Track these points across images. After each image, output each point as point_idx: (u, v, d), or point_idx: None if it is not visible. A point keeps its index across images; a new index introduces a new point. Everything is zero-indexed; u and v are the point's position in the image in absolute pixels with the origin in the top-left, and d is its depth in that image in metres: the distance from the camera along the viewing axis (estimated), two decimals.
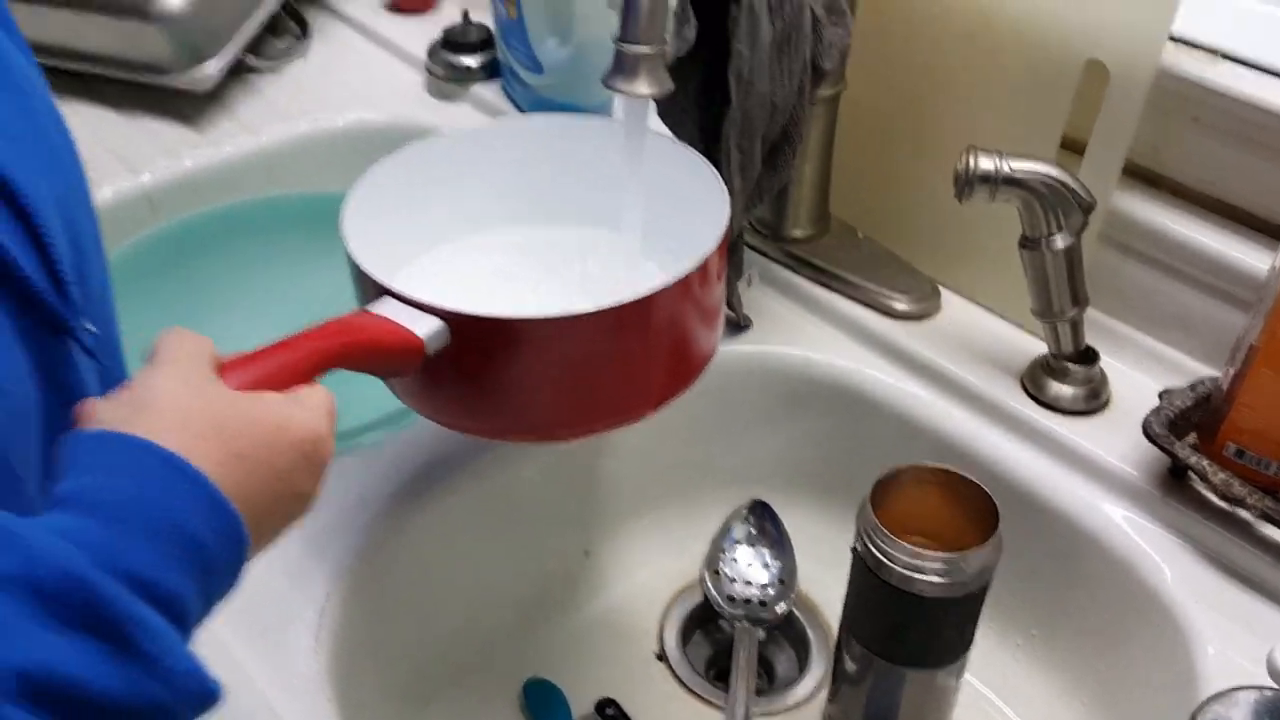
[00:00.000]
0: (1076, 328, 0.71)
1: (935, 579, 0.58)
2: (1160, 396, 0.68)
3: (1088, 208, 0.66)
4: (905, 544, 0.58)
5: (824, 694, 0.74)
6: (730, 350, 0.78)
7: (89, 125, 0.99)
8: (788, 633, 0.80)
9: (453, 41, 1.05)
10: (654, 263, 0.64)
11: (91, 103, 1.02)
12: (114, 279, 0.51)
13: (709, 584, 0.80)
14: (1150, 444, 0.66)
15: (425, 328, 0.51)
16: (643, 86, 0.57)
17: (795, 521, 0.82)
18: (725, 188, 0.60)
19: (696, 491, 0.84)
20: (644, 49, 0.56)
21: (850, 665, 0.67)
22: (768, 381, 0.80)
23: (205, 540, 0.35)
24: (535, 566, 0.79)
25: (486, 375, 0.55)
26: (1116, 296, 0.76)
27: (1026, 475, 0.71)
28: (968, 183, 0.65)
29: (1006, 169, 0.64)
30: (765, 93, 0.66)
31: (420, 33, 1.10)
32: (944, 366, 0.76)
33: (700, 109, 0.69)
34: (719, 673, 0.79)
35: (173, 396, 0.38)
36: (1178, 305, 0.74)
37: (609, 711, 0.74)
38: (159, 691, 0.32)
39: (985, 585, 0.60)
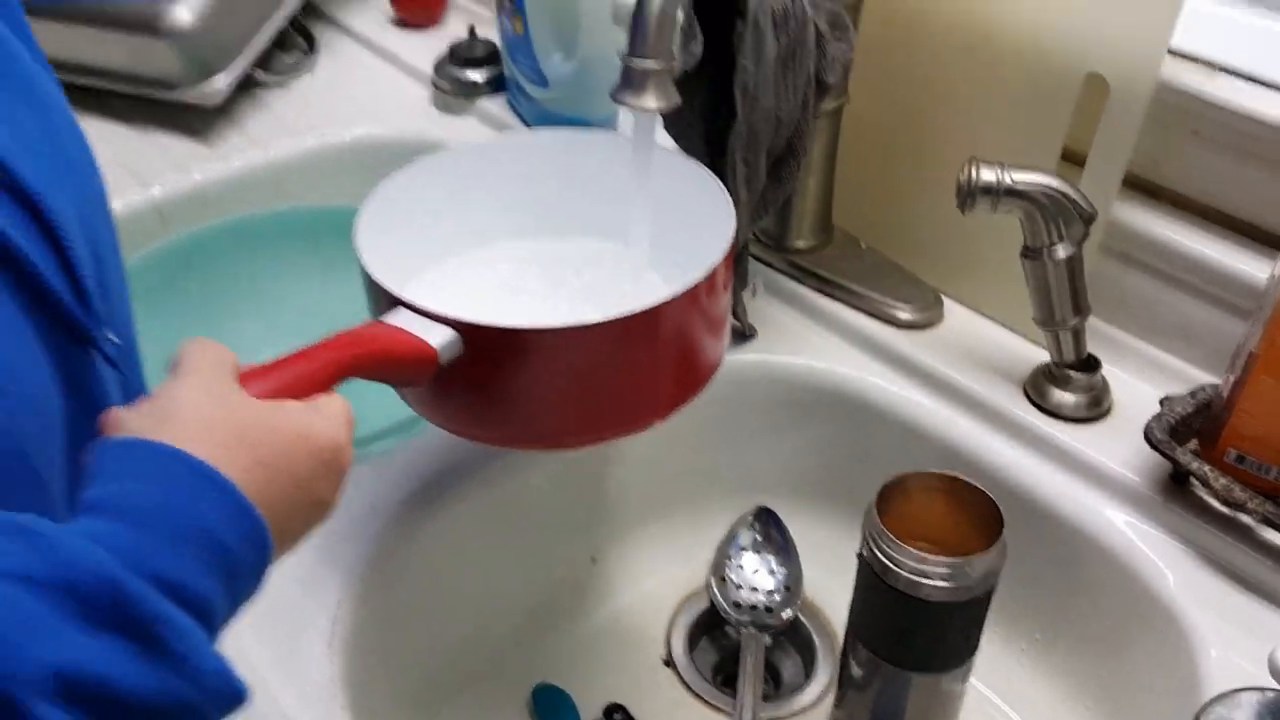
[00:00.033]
0: (1078, 336, 0.71)
1: (941, 584, 0.59)
2: (1161, 403, 0.69)
3: (1089, 218, 0.66)
4: (911, 549, 0.59)
5: (830, 699, 0.75)
6: (736, 359, 0.78)
7: (100, 139, 0.99)
8: (794, 639, 0.81)
9: (459, 56, 1.06)
10: (660, 275, 0.65)
11: (103, 117, 1.03)
12: None
13: (715, 590, 0.81)
14: (1152, 450, 0.66)
15: (439, 337, 0.52)
16: (650, 101, 0.58)
17: (800, 528, 0.82)
18: (731, 200, 0.61)
19: (703, 499, 0.85)
20: (652, 64, 0.57)
21: (856, 670, 0.67)
22: (773, 390, 0.81)
23: (231, 544, 0.36)
24: (543, 573, 0.80)
25: (497, 384, 0.55)
26: (1118, 305, 0.77)
27: (1029, 482, 0.71)
28: (970, 194, 0.66)
29: (1008, 180, 0.65)
30: (770, 107, 0.67)
31: (426, 48, 1.11)
32: (947, 374, 0.76)
33: (706, 123, 0.70)
34: (726, 678, 0.79)
35: (197, 405, 0.39)
36: (1178, 314, 0.75)
37: (617, 717, 0.75)
38: (187, 691, 0.33)
39: (990, 590, 0.61)
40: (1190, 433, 0.68)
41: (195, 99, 1.01)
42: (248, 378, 0.43)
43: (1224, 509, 0.66)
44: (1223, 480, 0.64)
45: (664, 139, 0.72)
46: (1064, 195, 0.66)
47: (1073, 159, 0.72)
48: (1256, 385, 0.62)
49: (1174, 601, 0.64)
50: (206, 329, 0.66)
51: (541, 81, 0.95)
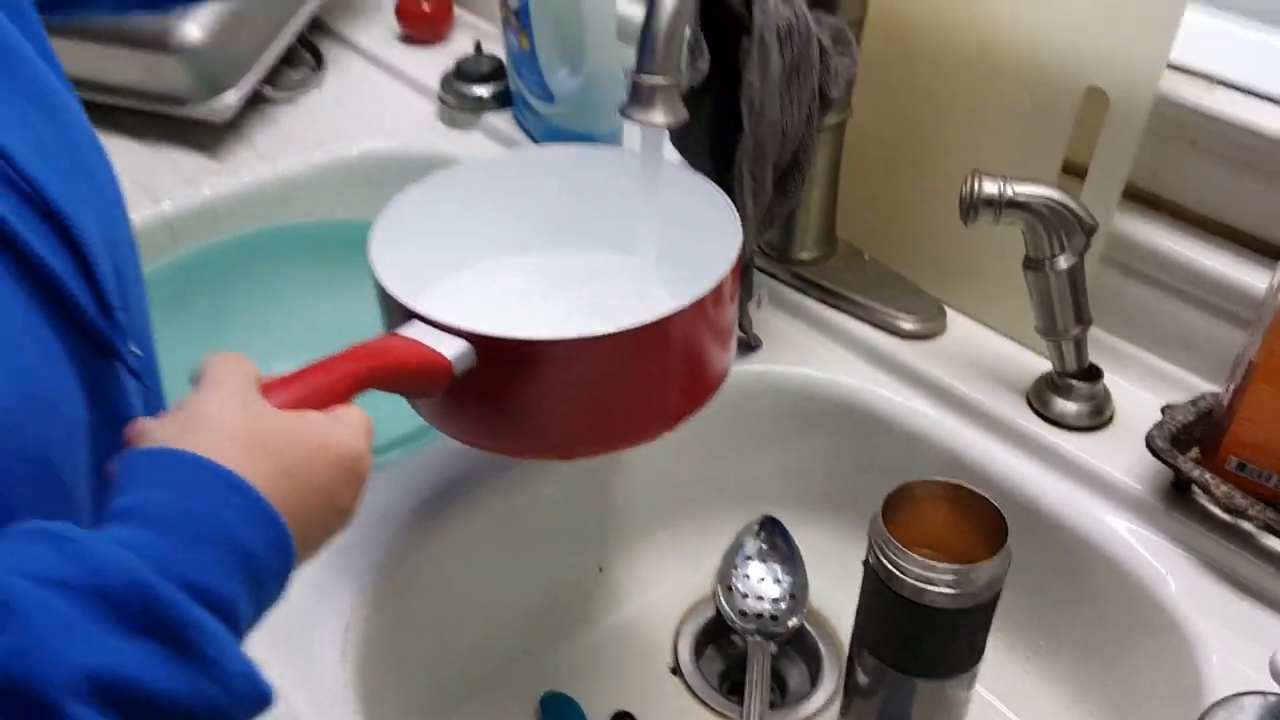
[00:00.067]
0: (1080, 346, 0.72)
1: (946, 590, 0.60)
2: (1163, 412, 0.69)
3: (1090, 229, 0.67)
4: (916, 556, 0.60)
5: (836, 707, 0.75)
6: (741, 370, 0.79)
7: (111, 154, 1.00)
8: (799, 647, 0.82)
9: (465, 72, 1.07)
10: (668, 287, 0.66)
11: (114, 133, 1.05)
12: None
13: (721, 599, 0.81)
14: (1154, 458, 0.67)
15: (452, 349, 0.53)
16: (659, 116, 0.59)
17: (805, 537, 0.83)
18: (737, 214, 0.62)
19: (709, 508, 0.85)
20: (660, 80, 0.58)
21: (862, 678, 0.68)
22: (777, 400, 0.81)
23: (257, 551, 0.37)
24: (552, 582, 0.80)
25: (509, 395, 0.56)
26: (1119, 315, 0.77)
27: (1033, 490, 0.72)
28: (972, 206, 0.66)
29: (1010, 192, 0.66)
30: (776, 121, 0.68)
31: (432, 63, 1.12)
32: (951, 384, 0.77)
33: (712, 137, 0.71)
34: (732, 686, 0.80)
35: (223, 416, 0.40)
36: (1178, 323, 0.75)
37: None
38: (217, 693, 0.34)
39: (995, 596, 0.61)
40: (1191, 441, 0.68)
41: (205, 115, 1.02)
42: (269, 389, 0.44)
43: (1225, 516, 0.67)
44: (1224, 487, 0.65)
45: (670, 153, 0.73)
46: (1065, 207, 0.66)
47: (1073, 171, 0.73)
48: (1256, 393, 0.63)
49: (1176, 608, 0.65)
50: (216, 342, 0.67)
51: (547, 97, 0.96)
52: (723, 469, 0.84)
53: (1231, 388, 0.66)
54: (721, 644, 0.83)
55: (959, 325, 0.82)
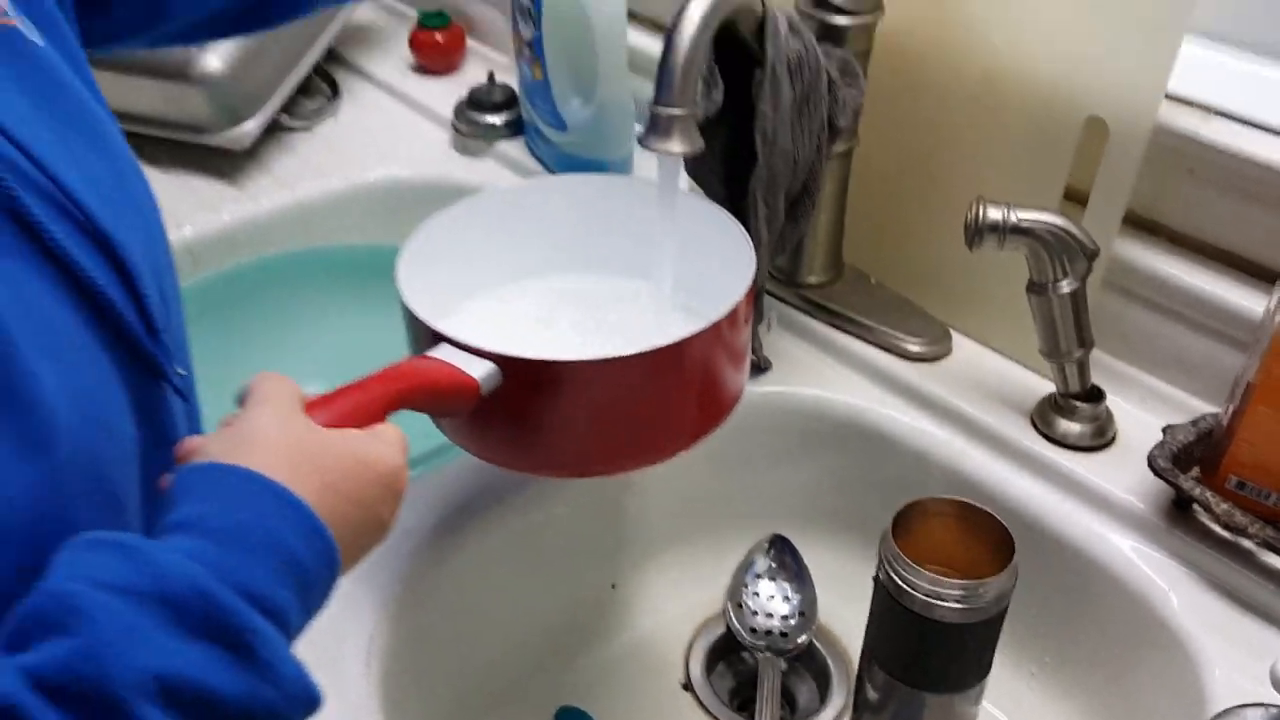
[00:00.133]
0: (1083, 368, 0.73)
1: (955, 605, 0.61)
2: (1164, 432, 0.70)
3: (1092, 254, 0.69)
4: (926, 572, 0.61)
5: None
6: (751, 391, 0.79)
7: None
8: (808, 663, 0.83)
9: (478, 101, 1.09)
10: (683, 311, 0.68)
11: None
12: None
13: (732, 616, 0.82)
14: (1155, 477, 0.68)
15: (480, 370, 0.55)
16: (676, 145, 0.60)
17: (814, 555, 0.84)
18: (751, 241, 0.64)
19: (719, 527, 0.87)
20: (677, 111, 0.60)
21: (872, 693, 0.69)
22: (787, 421, 0.83)
23: (306, 561, 0.39)
24: (567, 599, 0.82)
25: (532, 414, 0.58)
26: (1120, 338, 0.79)
27: (1037, 509, 0.73)
28: (977, 232, 0.68)
29: (1014, 219, 0.67)
30: (788, 150, 0.70)
31: (445, 93, 1.14)
32: (956, 405, 0.78)
33: (726, 166, 0.73)
34: (743, 702, 0.81)
35: (271, 433, 0.42)
36: (1178, 346, 0.77)
37: None
38: (273, 695, 0.36)
39: (1002, 611, 0.63)
40: (1192, 460, 0.70)
41: (225, 143, 1.04)
42: (312, 407, 0.45)
43: (1225, 534, 0.68)
44: (1224, 506, 0.66)
45: (684, 182, 0.74)
46: (1067, 232, 0.68)
47: (1075, 198, 0.74)
48: (1255, 414, 0.64)
49: (1179, 623, 0.66)
50: (235, 364, 0.69)
51: (560, 125, 0.98)
52: (733, 488, 0.86)
53: (1230, 409, 0.67)
54: (732, 660, 0.84)
55: (964, 348, 0.83)
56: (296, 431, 0.42)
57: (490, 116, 1.09)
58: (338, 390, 0.48)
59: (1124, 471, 0.72)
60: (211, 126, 1.04)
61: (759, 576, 0.84)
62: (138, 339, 0.45)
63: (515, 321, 0.68)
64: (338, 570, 0.41)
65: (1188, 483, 0.68)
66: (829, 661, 0.82)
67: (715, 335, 0.59)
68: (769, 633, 0.82)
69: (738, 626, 0.82)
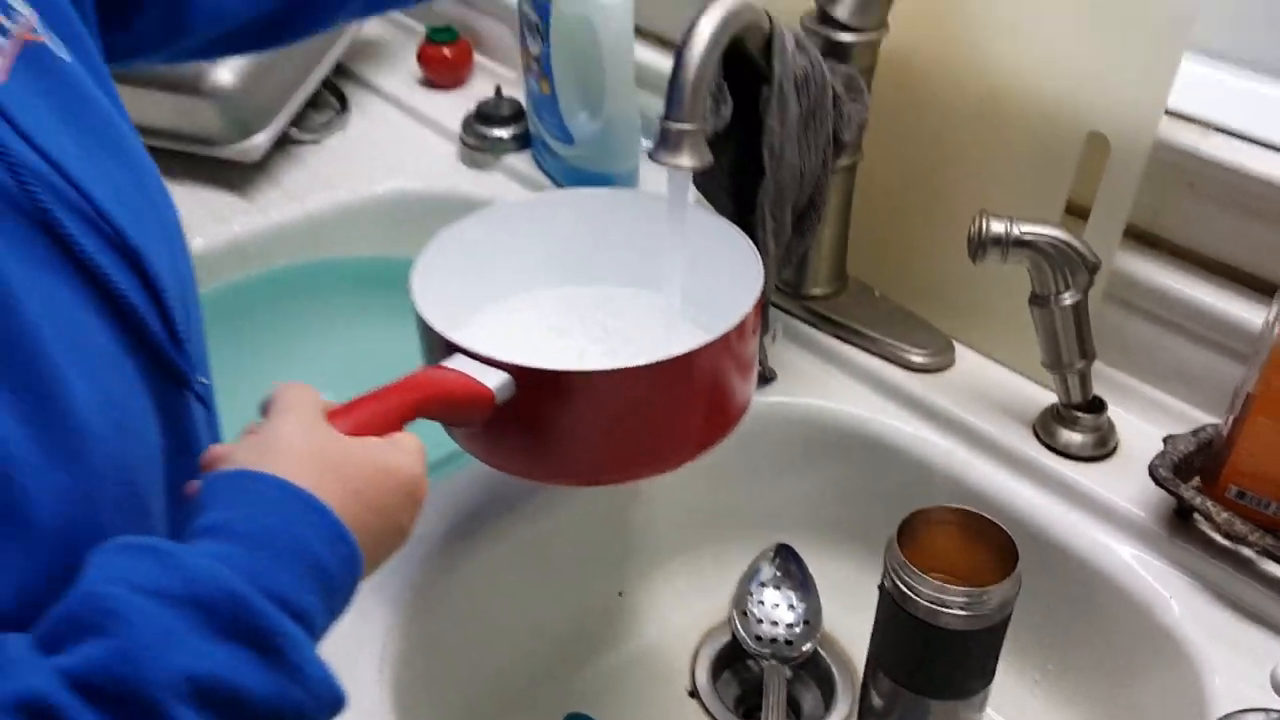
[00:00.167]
0: (1085, 379, 0.74)
1: (959, 612, 0.62)
2: (1164, 442, 0.71)
3: (1093, 267, 0.69)
4: (930, 579, 0.62)
5: None
6: (756, 401, 0.80)
7: None
8: (813, 671, 0.83)
9: (486, 115, 1.10)
10: (692, 323, 0.69)
11: None
12: None
13: (738, 624, 0.83)
14: (1157, 487, 0.69)
15: (494, 380, 0.56)
16: (686, 160, 0.61)
17: (818, 564, 0.85)
18: (758, 254, 0.65)
19: (724, 536, 0.87)
20: (687, 126, 0.61)
21: (877, 700, 0.70)
22: (791, 431, 0.84)
23: (330, 566, 0.40)
24: (575, 606, 0.83)
25: (544, 423, 0.59)
26: (1121, 350, 0.80)
27: (1040, 518, 0.74)
28: (980, 245, 0.69)
29: (1017, 232, 0.68)
30: (794, 164, 0.71)
31: (452, 107, 1.16)
32: (959, 416, 0.79)
33: (733, 180, 0.74)
34: (748, 710, 0.82)
35: (295, 441, 0.43)
36: (1179, 358, 0.77)
37: None
38: (301, 696, 0.37)
39: (1006, 619, 0.63)
40: (1192, 470, 0.70)
41: (235, 156, 1.05)
42: (333, 416, 0.46)
43: (1226, 542, 0.68)
44: (1224, 515, 0.67)
45: (692, 195, 0.75)
46: (1069, 246, 0.69)
47: (1076, 212, 0.75)
48: (1254, 425, 0.65)
49: (1180, 631, 0.67)
50: (245, 374, 0.70)
51: (567, 139, 1.00)
52: (738, 497, 0.86)
53: (1230, 419, 0.68)
54: (738, 668, 0.84)
55: (967, 359, 0.84)
56: (320, 439, 0.43)
57: (498, 130, 1.10)
58: (358, 399, 0.49)
59: (1125, 481, 0.73)
60: (222, 139, 1.05)
61: (764, 585, 0.85)
62: (162, 348, 0.46)
63: (526, 332, 0.70)
64: (360, 575, 0.42)
65: (1189, 492, 0.68)
66: (833, 669, 0.83)
67: (724, 346, 0.60)
68: (774, 641, 0.82)
69: (743, 634, 0.83)
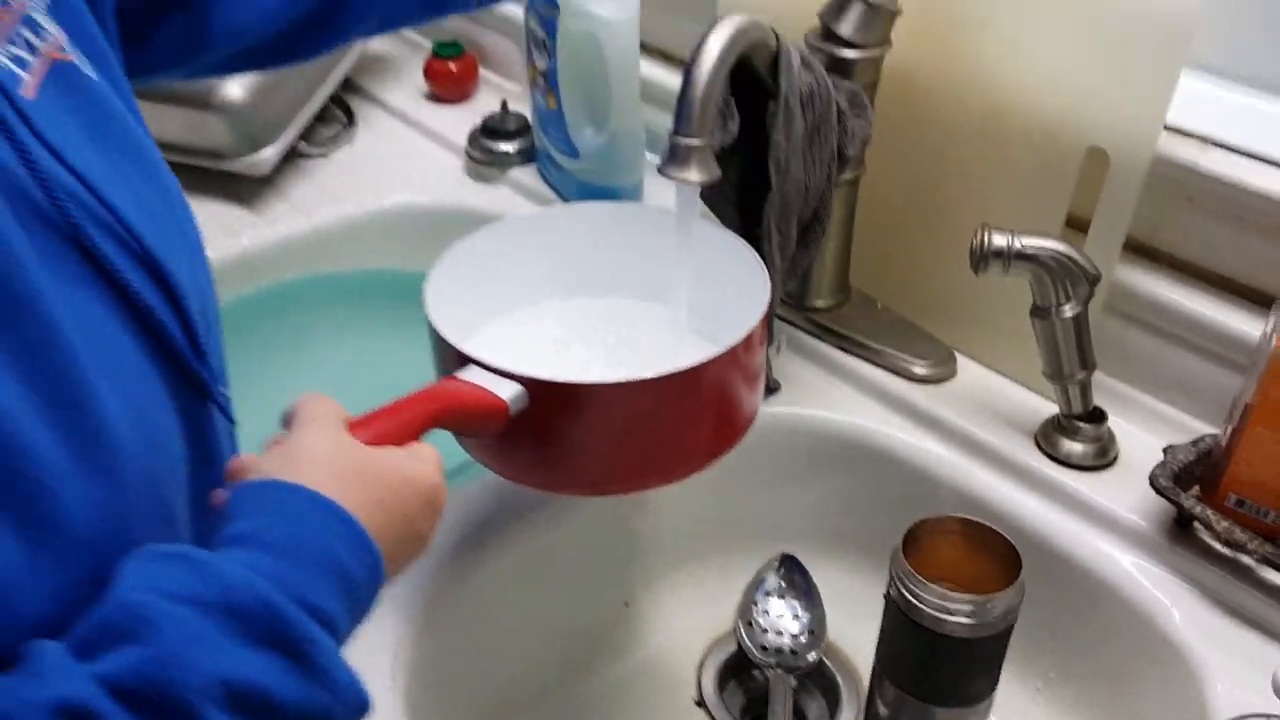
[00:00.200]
0: (1085, 389, 0.75)
1: (964, 620, 0.62)
2: (1164, 452, 0.72)
3: (1093, 279, 0.70)
4: (936, 587, 0.63)
5: None
6: (761, 412, 0.81)
7: None
8: (818, 680, 0.84)
9: (491, 129, 1.11)
10: (699, 335, 0.70)
11: None
12: None
13: (743, 634, 0.83)
14: (1157, 496, 0.70)
15: (508, 392, 0.56)
16: (694, 174, 0.62)
17: (822, 574, 0.85)
18: (765, 267, 0.66)
19: (729, 546, 0.88)
20: (695, 141, 0.62)
21: (883, 709, 0.70)
22: (795, 441, 0.84)
23: (355, 573, 0.41)
24: (582, 616, 0.83)
25: (555, 434, 0.60)
26: (1121, 361, 0.80)
27: (1042, 527, 0.75)
28: (983, 257, 0.70)
29: (1018, 245, 0.69)
30: (800, 178, 0.72)
31: (458, 121, 1.17)
32: (962, 426, 0.80)
33: (739, 194, 0.75)
34: (754, 719, 0.83)
35: (319, 451, 0.44)
36: (1178, 369, 0.78)
37: None
38: (329, 700, 0.38)
39: (1010, 626, 0.64)
40: (1192, 479, 0.71)
41: (244, 169, 1.06)
42: (354, 427, 0.47)
43: (1226, 550, 0.69)
44: (1224, 523, 0.67)
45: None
46: (1070, 258, 0.70)
47: (1076, 225, 0.76)
48: (1253, 435, 0.66)
49: (1181, 638, 0.67)
50: (254, 386, 0.71)
51: (573, 153, 1.01)
52: (743, 508, 0.87)
53: (1229, 429, 0.69)
54: (743, 678, 0.85)
55: (969, 370, 0.85)
56: (344, 450, 0.44)
57: (503, 144, 1.11)
58: (377, 411, 0.50)
59: (1126, 490, 0.74)
60: (232, 153, 1.06)
61: (769, 595, 0.85)
62: (186, 361, 0.47)
63: (537, 344, 0.70)
64: (382, 582, 0.43)
65: (1189, 501, 0.69)
66: (838, 678, 0.83)
67: (733, 359, 0.61)
68: (779, 650, 0.83)
69: (749, 644, 0.83)
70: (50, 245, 0.41)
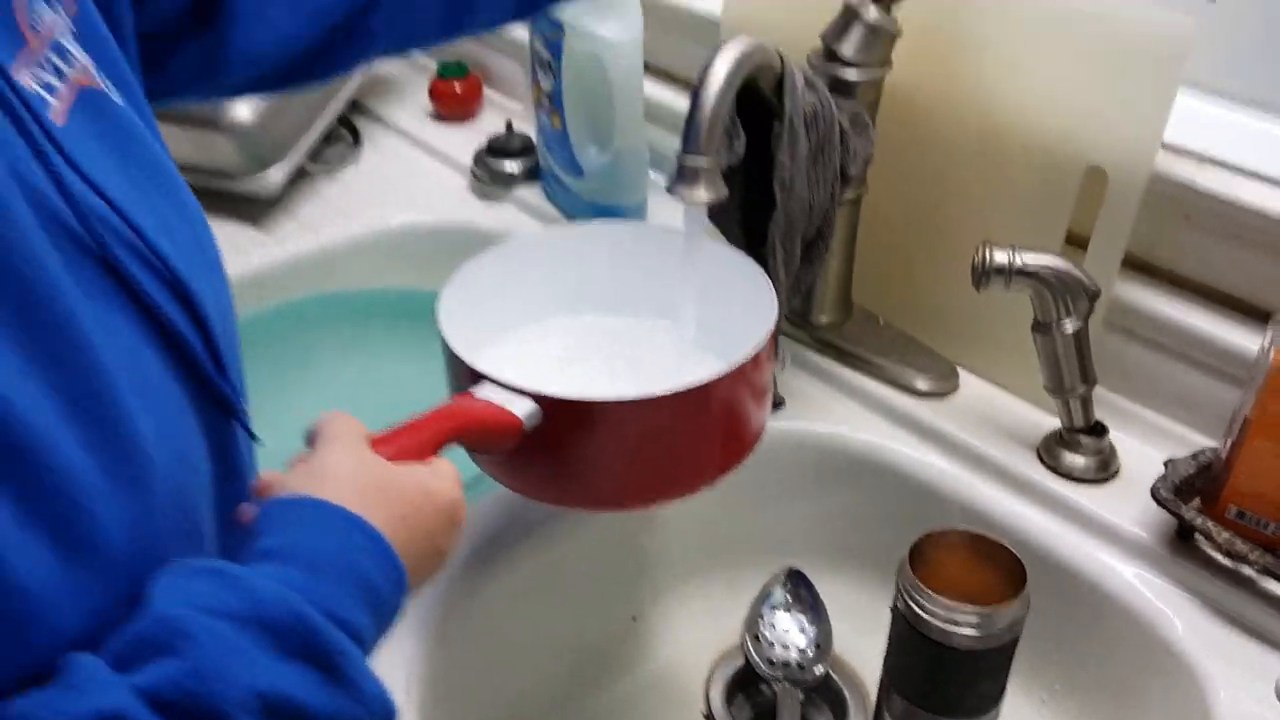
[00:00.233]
0: (1086, 403, 0.76)
1: (970, 632, 0.63)
2: (1165, 465, 0.73)
3: (1094, 295, 0.71)
4: (942, 600, 0.63)
5: None
6: (766, 428, 0.83)
7: None
8: (825, 694, 0.84)
9: (496, 148, 1.12)
10: (707, 352, 0.71)
11: None
12: None
13: (750, 648, 0.84)
14: (1159, 508, 0.71)
15: (523, 409, 0.57)
16: (702, 194, 0.63)
17: (828, 588, 0.86)
18: (772, 286, 0.67)
19: (736, 560, 0.89)
20: (703, 161, 0.63)
21: None
22: (800, 457, 0.85)
23: (381, 587, 0.42)
24: (591, 630, 0.84)
25: (568, 450, 0.61)
26: (1121, 376, 0.81)
27: (1044, 540, 0.75)
28: (984, 274, 0.71)
29: (1019, 261, 0.70)
30: (804, 197, 0.74)
31: (463, 140, 1.18)
32: (965, 440, 0.81)
33: (744, 212, 0.77)
34: None
35: (344, 468, 0.45)
36: (1178, 383, 0.79)
37: None
38: (357, 710, 0.38)
39: (1015, 638, 0.65)
40: (1193, 492, 0.72)
41: (252, 189, 1.07)
42: (376, 444, 0.48)
43: (1227, 561, 0.70)
44: (1225, 534, 0.68)
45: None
46: (1070, 275, 0.71)
47: (1076, 242, 0.77)
48: (1252, 447, 0.67)
49: (1184, 649, 0.68)
50: (263, 403, 0.71)
51: (577, 172, 1.02)
52: (749, 523, 0.88)
53: (1229, 442, 0.69)
54: (751, 692, 0.85)
55: (971, 385, 0.86)
56: (366, 466, 0.45)
57: (508, 163, 1.12)
58: (398, 428, 0.51)
59: (1128, 503, 0.75)
60: (240, 173, 1.07)
61: (775, 609, 0.86)
62: (210, 378, 0.48)
63: (547, 361, 0.71)
64: (405, 594, 0.44)
65: (1190, 513, 0.70)
66: (845, 691, 0.84)
67: (743, 375, 0.62)
68: (786, 664, 0.83)
69: (756, 658, 0.83)
70: (83, 268, 0.42)
